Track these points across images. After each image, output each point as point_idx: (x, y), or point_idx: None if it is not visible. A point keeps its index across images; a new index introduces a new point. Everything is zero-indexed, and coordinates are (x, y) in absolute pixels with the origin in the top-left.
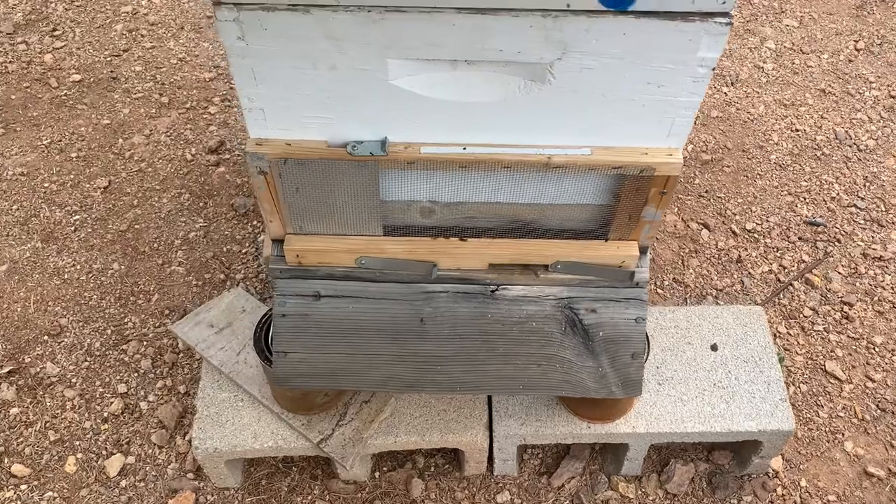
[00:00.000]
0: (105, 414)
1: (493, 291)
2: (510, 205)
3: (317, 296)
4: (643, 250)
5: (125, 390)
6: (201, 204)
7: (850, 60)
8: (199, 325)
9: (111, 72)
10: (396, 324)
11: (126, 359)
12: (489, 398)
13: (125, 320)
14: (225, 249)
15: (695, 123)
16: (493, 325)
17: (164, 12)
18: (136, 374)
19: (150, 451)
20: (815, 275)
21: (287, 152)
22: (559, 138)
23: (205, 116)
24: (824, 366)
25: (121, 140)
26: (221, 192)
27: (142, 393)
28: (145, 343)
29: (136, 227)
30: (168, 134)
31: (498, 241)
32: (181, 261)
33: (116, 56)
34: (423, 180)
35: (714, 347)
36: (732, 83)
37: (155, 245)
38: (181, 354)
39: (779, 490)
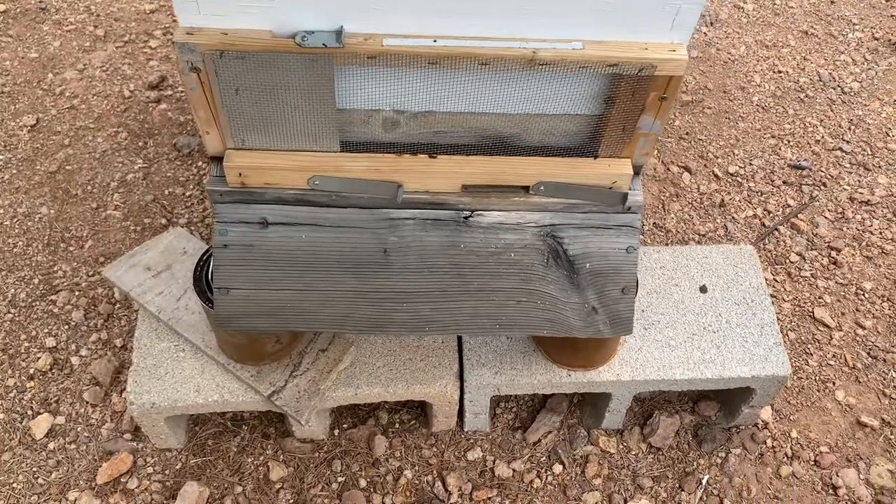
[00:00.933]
0: (31, 370)
1: (466, 218)
2: (487, 115)
3: (263, 223)
4: (637, 170)
5: (54, 344)
6: (140, 144)
7: (832, 1)
8: (135, 267)
9: (40, 2)
10: (356, 255)
11: (55, 310)
12: (460, 345)
13: (54, 268)
14: (167, 192)
15: None
16: (466, 256)
17: None
18: (66, 327)
19: (83, 410)
20: (801, 219)
21: (224, 43)
22: (545, 30)
23: (145, 51)
24: (812, 312)
25: (50, 75)
26: (163, 131)
27: (73, 347)
28: (77, 293)
29: (68, 167)
30: (104, 69)
31: (472, 159)
32: (118, 204)
33: None
34: (386, 83)
35: (703, 289)
36: (712, 23)
37: (88, 187)
38: (118, 305)
39: (768, 442)
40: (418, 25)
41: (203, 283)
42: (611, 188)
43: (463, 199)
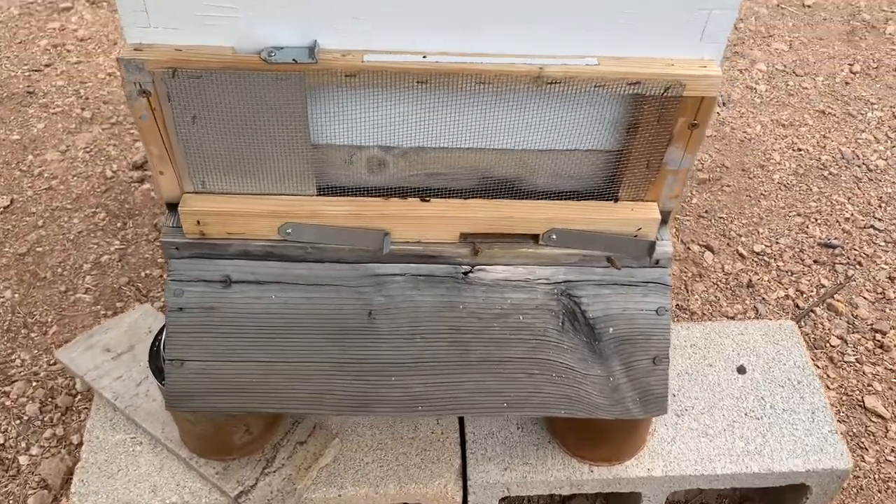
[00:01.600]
0: None
1: (465, 274)
2: (488, 152)
3: (226, 281)
4: (665, 216)
5: (1, 441)
6: (119, 224)
7: (846, 83)
8: (93, 349)
9: (28, 87)
10: (335, 319)
11: (8, 403)
12: (462, 435)
13: (12, 356)
14: (143, 274)
15: None
16: (466, 319)
17: (96, 28)
18: (18, 422)
19: None
20: (839, 300)
21: (177, 60)
22: (554, 44)
23: (132, 132)
24: (863, 402)
25: (31, 156)
26: (144, 212)
27: (23, 444)
28: (34, 384)
29: (38, 249)
30: (87, 150)
31: (471, 203)
32: (89, 287)
33: (36, 71)
34: (368, 110)
35: (741, 369)
36: (724, 103)
37: (59, 270)
38: (78, 397)
39: None
40: (405, 40)
41: (160, 360)
42: (635, 236)
43: (461, 252)
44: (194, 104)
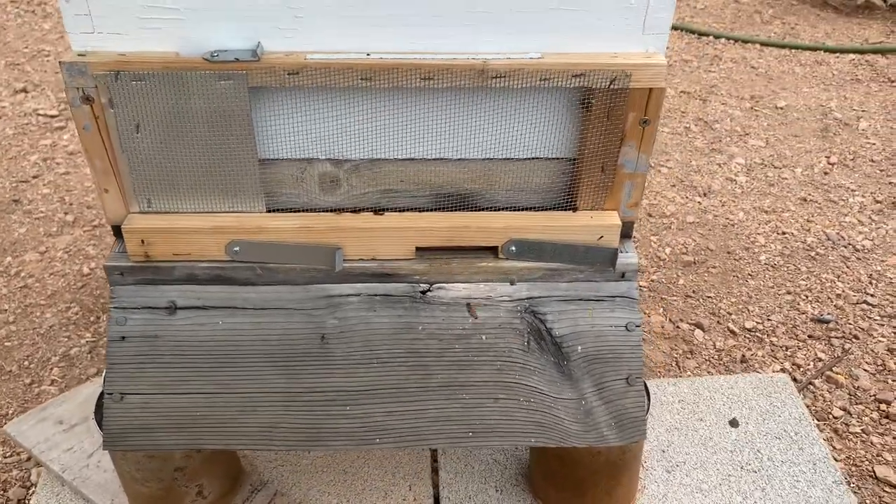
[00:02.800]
0: None
1: (423, 293)
2: (443, 166)
3: (171, 308)
4: (627, 227)
5: None
6: (92, 318)
7: (825, 173)
8: (44, 422)
9: (14, 196)
10: (285, 345)
11: None
12: (436, 500)
13: None
14: None
15: (670, 228)
16: (425, 342)
17: None
18: None
19: None
20: (838, 373)
21: (120, 62)
22: (498, 40)
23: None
24: (874, 472)
25: (9, 258)
26: None
27: None
28: None
29: (7, 344)
30: (66, 251)
31: (427, 214)
32: (55, 379)
33: (24, 182)
34: (315, 117)
35: (734, 423)
36: (705, 194)
37: (25, 363)
38: (33, 489)
39: None
40: (348, 41)
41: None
42: (597, 245)
43: (418, 268)
44: (138, 111)
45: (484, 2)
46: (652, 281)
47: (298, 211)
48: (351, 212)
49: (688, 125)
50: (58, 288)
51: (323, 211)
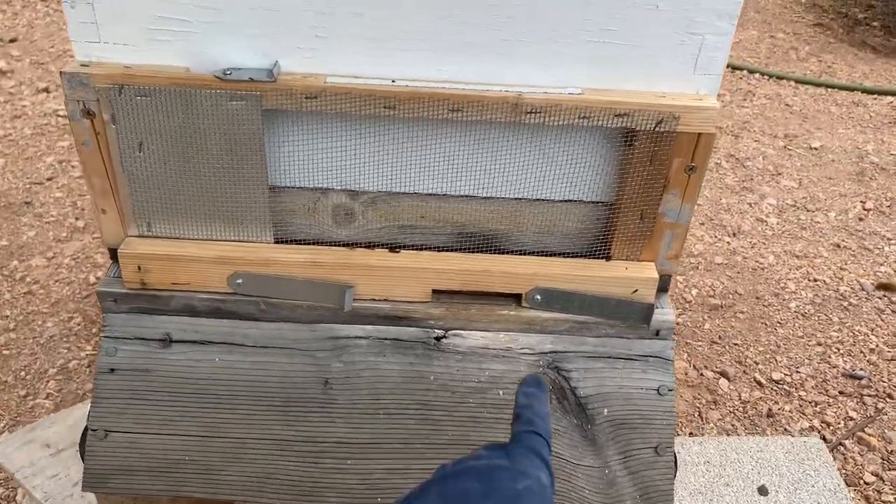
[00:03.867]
0: None
1: (438, 339)
2: (467, 203)
3: (166, 340)
4: (664, 281)
5: None
6: (94, 330)
7: (860, 219)
8: (31, 444)
9: (26, 198)
10: (286, 388)
11: None
12: None
13: None
14: None
15: (697, 268)
16: (437, 393)
17: None
18: None
19: None
20: (870, 434)
21: (125, 75)
22: (534, 73)
23: None
24: None
25: (16, 262)
26: None
27: None
28: None
29: (5, 352)
30: (74, 258)
31: (446, 255)
32: (50, 392)
33: (38, 184)
34: (332, 144)
35: (763, 490)
36: (735, 234)
37: (22, 374)
38: None
39: None
40: (372, 65)
41: None
42: (631, 300)
43: (434, 313)
44: (141, 128)
45: (520, 30)
46: (677, 324)
47: (309, 243)
48: (365, 247)
49: (719, 161)
50: (62, 296)
51: (335, 244)
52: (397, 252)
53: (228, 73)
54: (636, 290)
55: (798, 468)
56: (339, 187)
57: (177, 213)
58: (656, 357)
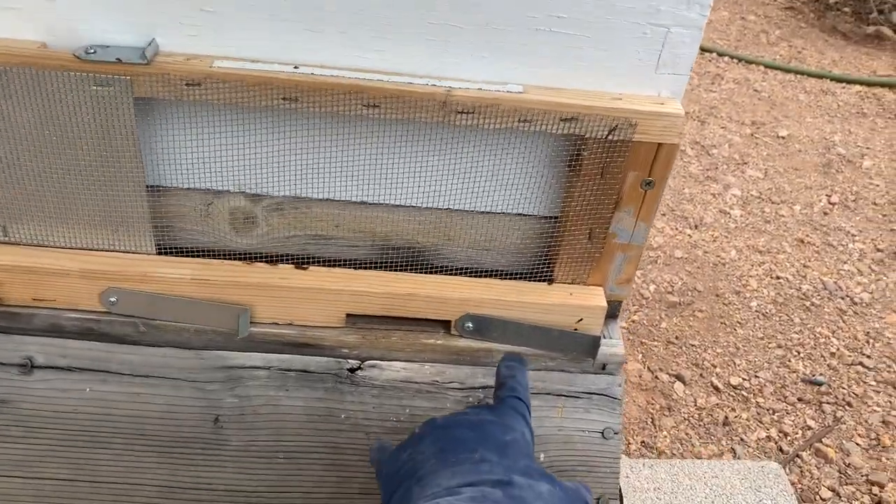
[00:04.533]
0: None
1: (352, 371)
2: (388, 212)
3: (27, 366)
4: (613, 308)
5: None
6: None
7: (825, 213)
8: None
9: None
10: (170, 426)
11: None
12: None
13: None
14: None
15: (656, 262)
16: (349, 434)
17: None
18: None
19: None
20: (828, 445)
21: None
22: (466, 67)
23: None
24: None
25: None
26: None
27: None
28: None
29: None
30: None
31: (363, 274)
32: None
33: None
34: (223, 141)
35: None
36: (696, 226)
37: None
38: None
39: None
40: (270, 47)
41: None
42: (575, 329)
43: (347, 340)
44: None
45: (451, 13)
46: (632, 322)
47: (203, 253)
48: (268, 260)
49: (683, 148)
50: None
51: (235, 255)
52: (305, 269)
53: (92, 51)
54: (581, 319)
55: (754, 496)
56: (235, 189)
57: (37, 216)
58: (602, 395)
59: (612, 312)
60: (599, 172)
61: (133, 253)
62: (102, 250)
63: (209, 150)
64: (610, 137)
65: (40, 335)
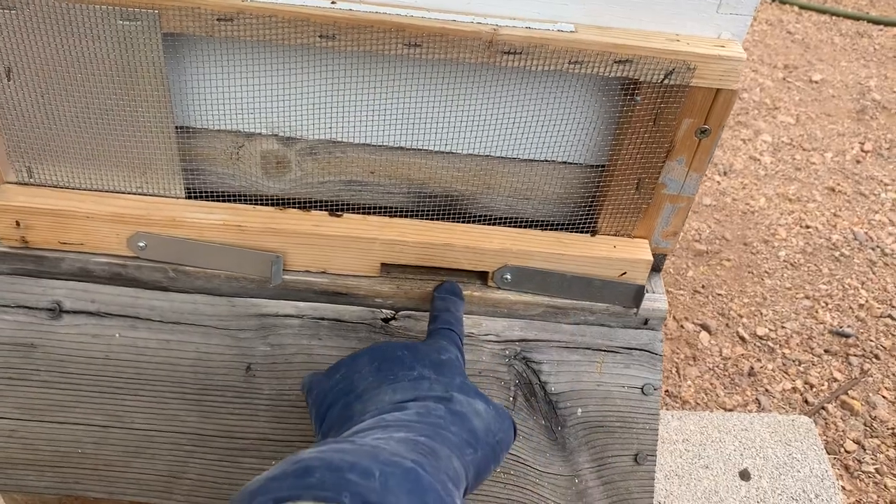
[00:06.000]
0: None
1: (386, 321)
2: (426, 157)
3: (55, 310)
4: (658, 261)
5: None
6: None
7: (857, 161)
8: None
9: None
10: (201, 373)
11: None
12: None
13: None
14: None
15: None
16: None
17: None
18: None
19: None
20: (853, 398)
21: None
22: (515, 3)
23: None
24: None
25: None
26: None
27: None
28: None
29: None
30: None
31: (399, 222)
32: None
33: None
34: (255, 81)
35: (745, 475)
36: (726, 172)
37: None
38: None
39: None
40: None
41: None
42: (618, 281)
43: (382, 290)
44: (7, 51)
45: None
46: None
47: (233, 198)
48: (299, 207)
49: None
50: None
51: (266, 200)
52: (339, 216)
53: None
54: (624, 273)
55: (784, 450)
56: (267, 132)
57: (63, 157)
58: (642, 350)
59: (657, 266)
60: (652, 119)
61: (162, 196)
62: (130, 193)
63: (240, 89)
64: (666, 82)
65: (68, 279)
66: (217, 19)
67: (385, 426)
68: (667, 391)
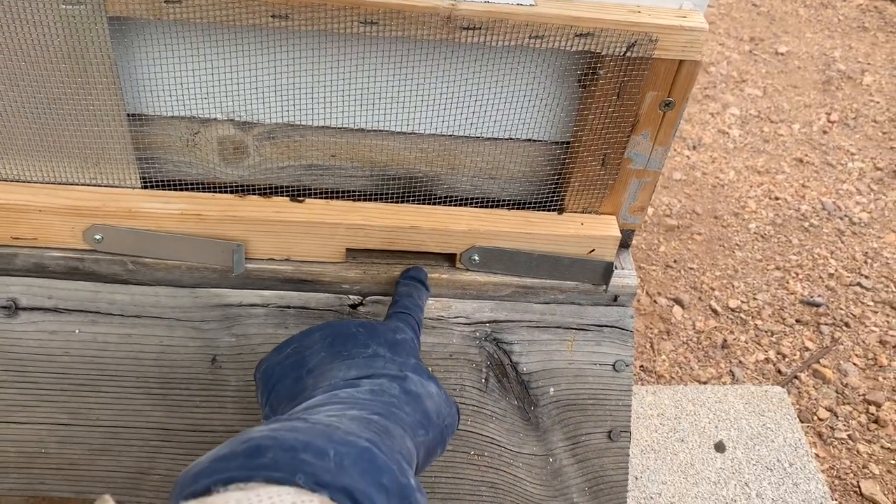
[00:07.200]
0: None
1: (354, 307)
2: (388, 138)
3: (10, 307)
4: (626, 237)
5: None
6: None
7: (824, 132)
8: None
9: None
10: (165, 367)
11: None
12: None
13: None
14: None
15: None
16: None
17: None
18: None
19: None
20: (825, 366)
21: None
22: None
23: None
24: (858, 487)
25: None
26: None
27: None
28: None
29: None
30: None
31: (363, 206)
32: None
33: None
34: (207, 64)
35: (720, 447)
36: (695, 147)
37: None
38: None
39: None
40: None
41: None
42: (586, 259)
43: (348, 275)
44: None
45: None
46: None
47: (192, 186)
48: (259, 194)
49: None
50: None
51: (226, 188)
52: (301, 202)
53: None
54: (593, 250)
55: (758, 421)
56: (223, 117)
57: (12, 149)
58: (613, 327)
59: (625, 242)
60: (615, 93)
61: (117, 187)
62: (84, 185)
63: (193, 74)
64: (628, 54)
65: (24, 275)
66: (164, 1)
67: (338, 402)
68: (641, 366)
